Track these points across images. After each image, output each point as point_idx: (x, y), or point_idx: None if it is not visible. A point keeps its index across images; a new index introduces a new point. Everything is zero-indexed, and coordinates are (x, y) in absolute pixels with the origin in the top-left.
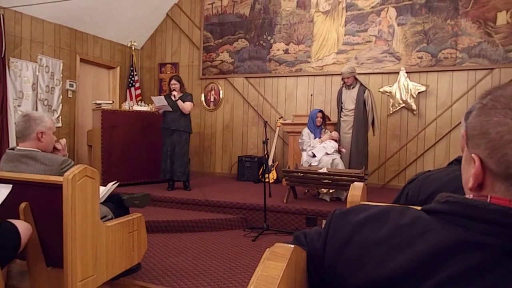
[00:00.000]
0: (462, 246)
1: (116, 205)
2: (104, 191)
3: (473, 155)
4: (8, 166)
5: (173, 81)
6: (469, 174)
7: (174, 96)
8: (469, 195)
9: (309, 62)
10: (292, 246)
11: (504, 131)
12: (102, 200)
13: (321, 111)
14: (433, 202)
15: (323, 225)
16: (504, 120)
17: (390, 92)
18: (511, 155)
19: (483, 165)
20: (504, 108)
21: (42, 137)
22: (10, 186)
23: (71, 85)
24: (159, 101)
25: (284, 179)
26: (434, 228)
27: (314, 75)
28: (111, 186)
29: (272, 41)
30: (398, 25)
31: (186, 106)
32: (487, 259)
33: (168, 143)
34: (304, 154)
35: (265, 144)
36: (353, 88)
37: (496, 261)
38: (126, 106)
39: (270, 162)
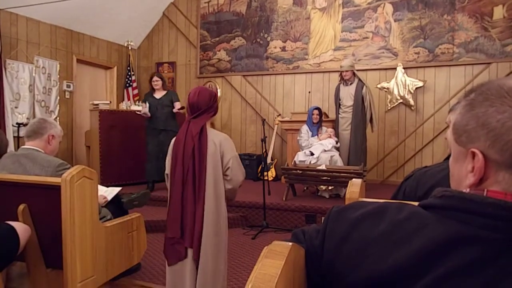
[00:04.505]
0: (460, 241)
1: (115, 206)
2: (108, 191)
3: (472, 149)
4: (11, 161)
5: (155, 78)
6: (465, 170)
7: (163, 86)
8: (466, 190)
9: (307, 59)
10: (290, 243)
11: (505, 118)
12: (109, 198)
13: (317, 108)
14: (429, 197)
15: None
16: (502, 107)
17: (387, 88)
18: None
19: (484, 157)
20: (500, 97)
21: (51, 140)
22: None
23: (68, 86)
24: (143, 110)
25: (283, 177)
26: (431, 223)
27: (312, 72)
28: (115, 190)
29: (269, 38)
30: (395, 21)
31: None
32: (485, 253)
33: (155, 144)
34: (300, 151)
35: (263, 142)
36: (351, 84)
37: (494, 255)
38: (123, 106)
39: (268, 160)
